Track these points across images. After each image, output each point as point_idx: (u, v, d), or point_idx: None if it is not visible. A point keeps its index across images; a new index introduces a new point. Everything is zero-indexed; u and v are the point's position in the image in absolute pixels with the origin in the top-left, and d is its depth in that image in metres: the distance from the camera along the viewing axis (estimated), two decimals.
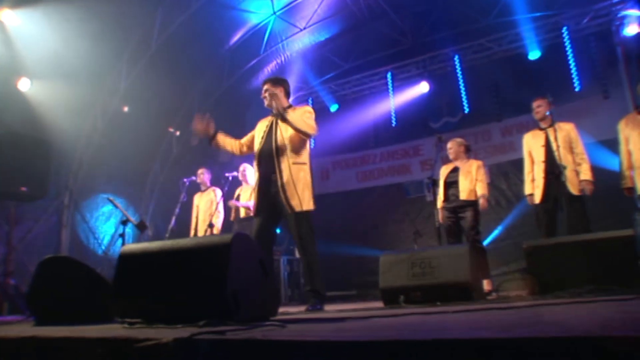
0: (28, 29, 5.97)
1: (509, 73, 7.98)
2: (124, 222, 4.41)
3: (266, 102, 3.88)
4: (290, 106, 3.96)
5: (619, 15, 7.27)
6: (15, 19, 5.93)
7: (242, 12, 7.74)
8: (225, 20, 7.79)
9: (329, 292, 8.02)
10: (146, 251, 2.57)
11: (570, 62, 7.47)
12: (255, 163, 3.94)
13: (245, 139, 4.09)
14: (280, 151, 3.73)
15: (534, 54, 7.84)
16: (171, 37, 7.08)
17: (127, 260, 2.59)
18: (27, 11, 5.95)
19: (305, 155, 3.82)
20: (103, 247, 7.57)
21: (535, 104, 4.85)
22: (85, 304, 3.02)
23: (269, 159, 3.76)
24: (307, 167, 3.81)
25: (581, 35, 7.58)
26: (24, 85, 6.29)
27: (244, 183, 6.39)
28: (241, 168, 6.43)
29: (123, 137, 7.52)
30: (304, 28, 8.56)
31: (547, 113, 4.73)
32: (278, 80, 4.01)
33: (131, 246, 2.65)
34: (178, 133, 8.50)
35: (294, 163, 3.72)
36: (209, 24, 7.55)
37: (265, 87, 3.93)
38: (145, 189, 8.33)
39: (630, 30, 7.16)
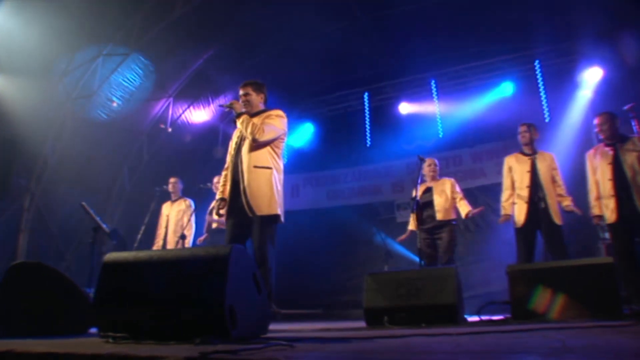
0: (1, 22, 5.66)
1: (483, 100, 8.20)
2: (95, 230, 4.17)
3: (230, 108, 3.80)
4: (263, 110, 3.89)
5: (584, 55, 7.61)
6: None
7: None
8: None
9: (295, 310, 7.95)
10: (133, 260, 2.41)
11: (542, 94, 7.76)
12: (227, 172, 3.84)
13: (227, 163, 3.96)
14: (244, 155, 3.69)
15: (507, 86, 8.11)
16: (150, 43, 6.88)
17: (111, 269, 2.42)
18: (1, 3, 5.65)
19: (269, 160, 3.71)
20: (63, 254, 7.17)
21: (522, 128, 4.95)
22: (56, 315, 2.82)
23: (236, 165, 3.72)
24: (271, 172, 3.69)
25: (552, 70, 7.90)
26: None
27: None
28: (215, 180, 6.27)
29: (92, 140, 7.22)
30: None
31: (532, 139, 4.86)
32: (252, 84, 3.93)
33: (116, 254, 2.49)
34: (170, 129, 8.25)
35: (256, 166, 3.65)
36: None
37: (242, 91, 3.89)
38: (112, 196, 7.99)
39: (592, 72, 7.48)
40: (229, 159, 3.91)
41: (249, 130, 3.62)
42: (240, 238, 3.66)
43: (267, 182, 3.64)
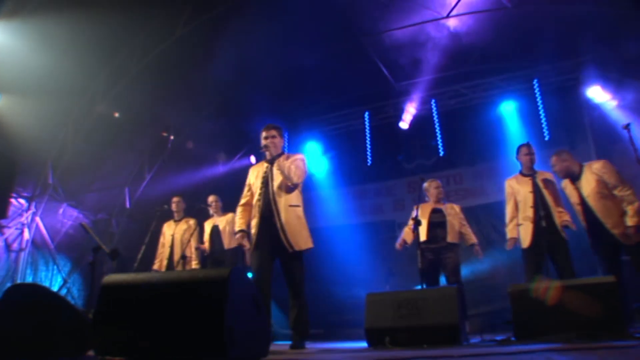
0: (3, 41, 5.72)
1: (483, 119, 8.23)
2: (96, 250, 4.15)
3: (265, 149, 4.07)
4: (283, 153, 4.15)
5: (583, 74, 7.64)
6: None
7: None
8: None
9: None
10: (132, 283, 2.40)
11: (541, 112, 7.80)
12: (255, 208, 4.05)
13: (246, 197, 4.20)
14: (277, 195, 3.92)
15: (507, 104, 8.15)
16: (151, 63, 6.94)
17: (110, 291, 2.41)
18: (2, 23, 5.72)
19: (299, 198, 4.04)
20: (63, 275, 7.13)
21: (526, 150, 4.83)
22: (54, 337, 2.78)
23: (268, 203, 3.94)
24: (301, 209, 4.04)
25: (551, 89, 7.95)
26: None
27: (215, 215, 6.21)
28: (211, 199, 6.26)
29: (92, 160, 7.25)
30: None
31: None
32: (277, 128, 4.19)
33: (115, 276, 2.48)
34: (172, 137, 8.28)
35: (290, 205, 3.93)
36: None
37: (265, 134, 4.12)
38: (112, 217, 7.97)
39: (592, 91, 7.50)
40: (249, 192, 4.15)
41: (291, 174, 3.89)
42: (268, 269, 3.91)
43: (300, 219, 3.97)
